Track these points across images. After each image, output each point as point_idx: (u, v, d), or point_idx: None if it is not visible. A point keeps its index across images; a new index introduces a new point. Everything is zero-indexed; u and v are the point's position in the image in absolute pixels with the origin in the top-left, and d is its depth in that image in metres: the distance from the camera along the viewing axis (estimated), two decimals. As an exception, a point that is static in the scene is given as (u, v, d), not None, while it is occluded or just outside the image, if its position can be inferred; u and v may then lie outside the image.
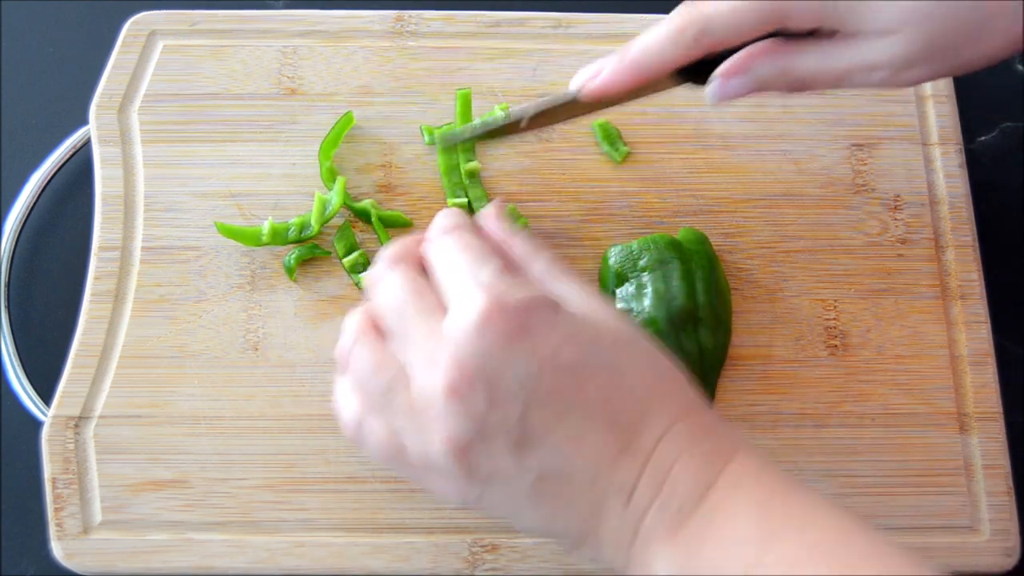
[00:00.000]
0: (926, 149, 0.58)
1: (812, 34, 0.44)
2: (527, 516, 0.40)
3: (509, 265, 0.42)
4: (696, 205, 0.56)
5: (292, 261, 0.54)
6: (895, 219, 0.56)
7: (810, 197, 0.56)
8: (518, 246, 0.45)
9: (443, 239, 0.43)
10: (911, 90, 0.59)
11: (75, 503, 0.50)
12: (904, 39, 0.42)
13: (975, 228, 0.56)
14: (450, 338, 0.38)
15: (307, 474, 0.50)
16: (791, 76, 0.45)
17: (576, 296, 0.42)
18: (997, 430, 0.52)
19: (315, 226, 0.54)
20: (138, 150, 0.57)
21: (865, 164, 0.57)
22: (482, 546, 0.49)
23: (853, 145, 0.58)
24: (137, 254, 0.54)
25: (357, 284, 0.54)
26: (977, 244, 0.55)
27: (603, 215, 0.56)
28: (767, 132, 0.58)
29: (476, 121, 0.55)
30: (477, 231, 0.44)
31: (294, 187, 0.56)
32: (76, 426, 0.51)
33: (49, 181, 0.58)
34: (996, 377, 0.53)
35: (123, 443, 0.51)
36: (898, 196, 0.56)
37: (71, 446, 0.50)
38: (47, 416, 0.51)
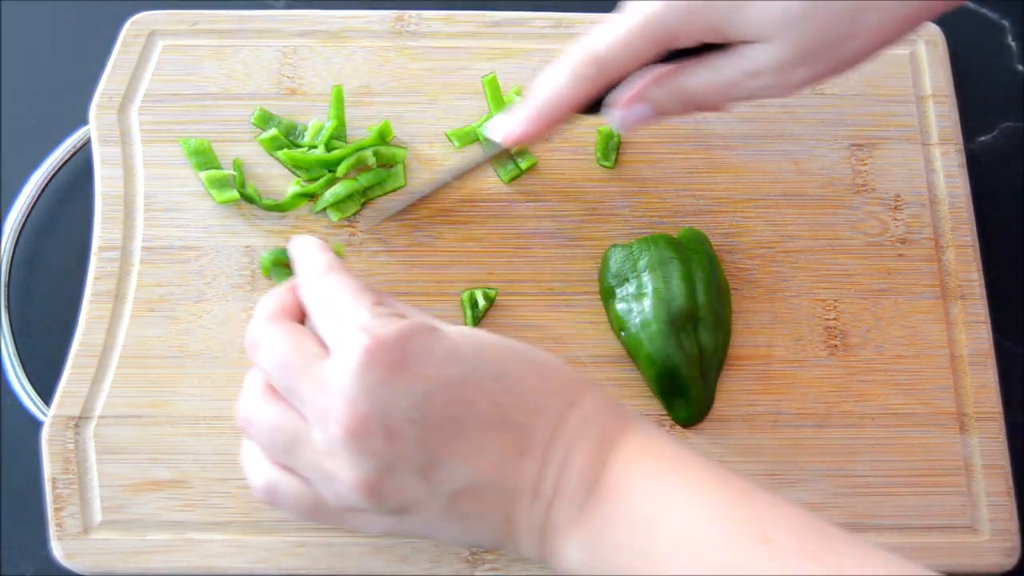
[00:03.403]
0: (926, 149, 0.58)
1: (701, 55, 0.46)
2: (447, 534, 0.41)
3: (380, 297, 0.43)
4: (696, 205, 0.56)
5: (267, 261, 0.54)
6: (895, 219, 0.56)
7: (810, 197, 0.56)
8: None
9: (316, 283, 0.43)
10: (911, 90, 0.59)
11: (75, 503, 0.50)
12: (782, 43, 0.44)
13: (975, 228, 0.56)
14: (337, 385, 0.38)
15: (307, 474, 0.50)
16: (685, 95, 0.47)
17: (446, 323, 0.43)
18: (997, 430, 0.52)
19: (309, 136, 0.57)
20: (138, 150, 0.57)
21: (865, 164, 0.57)
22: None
23: (853, 145, 0.58)
24: (137, 254, 0.54)
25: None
26: (977, 244, 0.55)
27: (603, 215, 0.56)
28: (767, 132, 0.58)
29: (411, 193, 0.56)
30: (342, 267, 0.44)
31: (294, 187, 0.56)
32: (76, 426, 0.51)
33: (49, 181, 0.58)
34: (996, 377, 0.53)
35: (123, 443, 0.51)
36: (898, 196, 0.56)
37: (71, 446, 0.50)
38: (47, 416, 0.51)
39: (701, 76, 0.46)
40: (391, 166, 0.56)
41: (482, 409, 0.39)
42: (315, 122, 0.57)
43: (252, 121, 0.57)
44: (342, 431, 0.38)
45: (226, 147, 0.57)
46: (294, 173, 0.56)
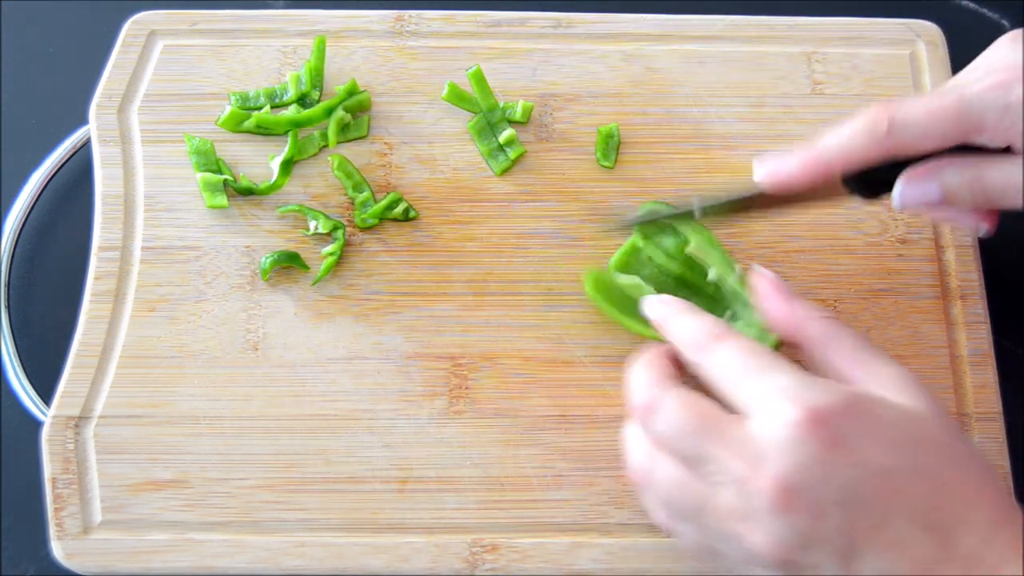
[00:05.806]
0: (926, 149, 0.58)
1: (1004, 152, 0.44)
2: None
3: (799, 358, 0.42)
4: (696, 205, 0.56)
5: (267, 263, 0.54)
6: (895, 219, 0.56)
7: (810, 197, 0.56)
8: (815, 325, 0.44)
9: (717, 350, 0.42)
10: (911, 90, 0.59)
11: (75, 503, 0.50)
12: None
13: (975, 228, 0.56)
14: (765, 454, 0.38)
15: (307, 474, 0.50)
16: (978, 186, 0.44)
17: (889, 379, 0.42)
18: (997, 430, 0.52)
19: (292, 93, 0.58)
20: (138, 150, 0.57)
21: (865, 164, 0.57)
22: (482, 546, 0.49)
23: (853, 145, 0.57)
24: (137, 254, 0.54)
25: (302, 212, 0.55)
26: (977, 244, 0.55)
27: (603, 215, 0.56)
28: (767, 132, 0.58)
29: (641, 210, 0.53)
30: (738, 336, 0.43)
31: (294, 187, 0.56)
32: (76, 426, 0.51)
33: (49, 181, 0.58)
34: (996, 377, 0.53)
35: (123, 443, 0.51)
36: (898, 196, 0.56)
37: (71, 446, 0.50)
38: (47, 416, 0.51)
39: (1005, 170, 0.43)
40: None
41: (911, 503, 0.38)
42: (293, 74, 0.57)
43: (232, 105, 0.57)
44: (768, 504, 0.37)
45: (225, 147, 0.57)
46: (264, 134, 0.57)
